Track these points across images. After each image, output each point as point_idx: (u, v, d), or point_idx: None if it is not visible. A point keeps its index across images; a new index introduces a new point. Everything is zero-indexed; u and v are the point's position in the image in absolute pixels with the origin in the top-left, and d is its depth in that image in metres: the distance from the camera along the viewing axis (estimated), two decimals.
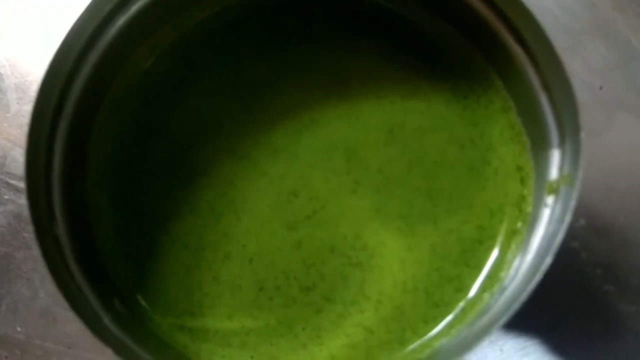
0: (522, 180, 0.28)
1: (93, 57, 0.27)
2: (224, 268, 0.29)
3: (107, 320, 0.24)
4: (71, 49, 0.26)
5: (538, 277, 0.22)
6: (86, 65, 0.27)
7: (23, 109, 0.35)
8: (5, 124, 0.35)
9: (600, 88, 0.35)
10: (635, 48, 0.35)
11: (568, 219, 0.22)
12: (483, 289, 0.28)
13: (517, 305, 0.22)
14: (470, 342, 0.23)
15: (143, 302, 0.28)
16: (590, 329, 0.33)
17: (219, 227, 0.29)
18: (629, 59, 0.35)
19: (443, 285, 0.29)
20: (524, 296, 0.22)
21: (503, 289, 0.26)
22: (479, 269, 0.28)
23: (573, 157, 0.24)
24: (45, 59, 0.35)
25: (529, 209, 0.28)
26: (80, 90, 0.27)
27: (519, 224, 0.28)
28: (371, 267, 0.29)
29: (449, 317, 0.28)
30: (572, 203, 0.23)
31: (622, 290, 0.33)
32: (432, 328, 0.28)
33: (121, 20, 0.27)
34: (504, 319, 0.22)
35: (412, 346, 0.28)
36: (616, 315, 0.33)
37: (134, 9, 0.27)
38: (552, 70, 0.25)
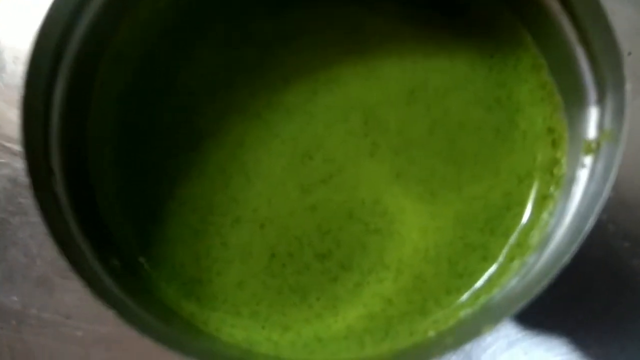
0: (554, 143, 0.27)
1: (93, 6, 0.25)
2: (234, 233, 0.27)
3: (108, 283, 0.23)
4: None
5: (582, 237, 0.20)
6: (85, 16, 0.25)
7: (19, 69, 0.34)
8: (0, 84, 0.34)
9: (629, 54, 0.33)
10: None
11: (613, 176, 0.21)
12: (512, 257, 0.27)
13: (559, 268, 0.20)
14: (503, 311, 0.22)
15: (147, 267, 0.27)
16: (617, 305, 0.32)
17: (228, 190, 0.28)
18: None
19: (467, 254, 0.27)
20: (566, 259, 0.20)
21: (537, 255, 0.24)
22: (507, 236, 0.27)
23: (616, 111, 0.23)
24: (41, 15, 0.34)
25: (563, 172, 0.26)
26: (79, 42, 0.26)
27: (552, 189, 0.26)
28: (391, 234, 0.27)
29: (475, 287, 0.27)
30: (617, 159, 0.21)
31: None
32: (457, 298, 0.27)
33: None
34: (546, 282, 0.20)
35: (434, 317, 0.26)
36: None
37: None
38: (592, 20, 0.23)
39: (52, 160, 0.24)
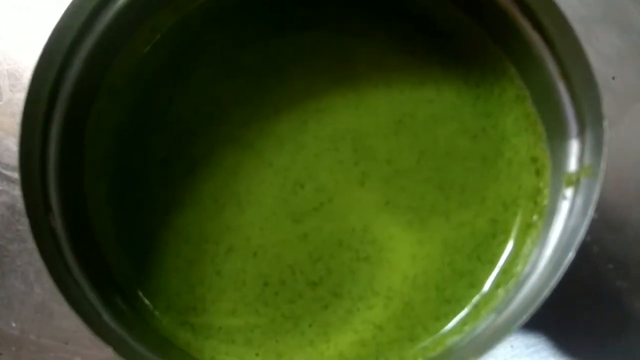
0: (538, 172, 0.28)
1: (89, 40, 0.26)
2: (227, 262, 0.28)
3: (106, 317, 0.23)
4: (67, 31, 0.25)
5: (560, 273, 0.21)
6: (82, 49, 0.26)
7: (16, 96, 0.34)
8: None
9: (613, 78, 0.34)
10: None
11: (591, 212, 0.22)
12: (497, 284, 0.27)
13: (538, 303, 0.21)
14: (488, 342, 0.23)
15: (144, 298, 0.28)
16: (602, 325, 0.32)
17: (221, 219, 0.28)
18: None
19: (455, 280, 0.28)
20: (546, 293, 0.21)
21: (519, 285, 0.25)
22: (493, 263, 0.28)
23: (595, 147, 0.23)
24: (39, 44, 0.34)
25: (546, 201, 0.27)
26: (76, 75, 0.26)
27: (535, 217, 0.27)
28: (380, 261, 0.28)
29: (462, 314, 0.27)
30: (595, 196, 0.22)
31: (635, 286, 0.32)
32: (444, 325, 0.27)
33: (119, 2, 0.26)
34: (525, 318, 0.21)
35: (423, 343, 0.27)
36: (628, 312, 0.32)
37: None
38: (572, 57, 0.24)
39: (50, 196, 0.24)
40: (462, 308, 0.27)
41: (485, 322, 0.25)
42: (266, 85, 0.29)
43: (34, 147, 0.24)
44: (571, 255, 0.21)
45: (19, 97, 0.35)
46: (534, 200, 0.27)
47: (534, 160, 0.28)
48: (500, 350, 0.31)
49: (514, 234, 0.28)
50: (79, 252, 0.25)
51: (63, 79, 0.26)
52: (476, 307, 0.27)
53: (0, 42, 0.34)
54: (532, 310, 0.21)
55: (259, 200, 0.28)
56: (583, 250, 0.33)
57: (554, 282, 0.21)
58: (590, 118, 0.24)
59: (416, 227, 0.28)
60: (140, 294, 0.28)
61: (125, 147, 0.29)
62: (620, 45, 0.34)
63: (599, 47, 0.35)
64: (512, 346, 0.32)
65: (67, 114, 0.26)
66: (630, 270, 0.32)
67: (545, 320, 0.32)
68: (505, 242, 0.28)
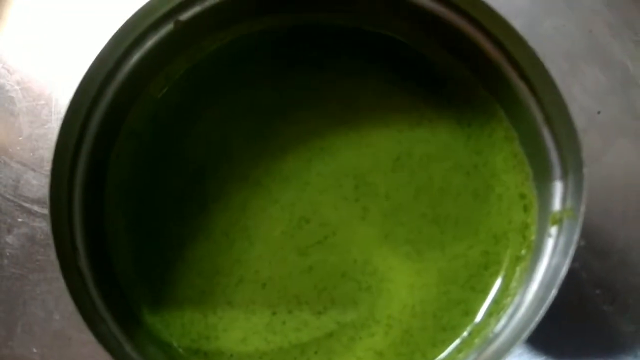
0: (526, 208, 0.29)
1: (112, 88, 0.28)
2: (238, 292, 0.30)
3: (128, 349, 0.25)
4: (92, 82, 0.27)
5: (543, 310, 0.23)
6: (105, 97, 0.28)
7: (35, 132, 0.36)
8: (18, 148, 0.36)
9: (598, 113, 0.35)
10: (632, 74, 0.36)
11: (571, 252, 0.23)
12: (489, 313, 0.29)
13: (524, 337, 0.23)
14: None
15: (160, 327, 0.29)
16: (590, 349, 0.33)
17: (232, 252, 0.30)
18: (626, 84, 0.36)
19: (451, 309, 0.29)
20: (531, 327, 0.23)
21: (509, 315, 0.27)
22: (485, 293, 0.29)
23: (575, 191, 0.25)
24: (55, 82, 0.36)
25: (533, 237, 0.28)
26: (99, 121, 0.28)
27: (523, 251, 0.29)
28: (381, 291, 0.30)
29: (457, 341, 0.29)
30: (575, 237, 0.23)
31: (621, 310, 0.33)
32: (441, 351, 0.29)
33: (137, 54, 0.28)
34: (511, 350, 0.23)
35: None
36: (616, 335, 0.34)
37: (149, 43, 0.28)
38: (554, 107, 0.26)
39: (76, 236, 0.26)
40: (458, 335, 0.29)
41: (478, 351, 0.27)
42: (273, 125, 0.30)
43: (61, 190, 0.26)
44: (554, 292, 0.23)
45: (38, 133, 0.36)
46: (523, 235, 0.29)
47: (522, 196, 0.30)
48: None
49: (504, 265, 0.29)
50: (102, 288, 0.27)
51: (89, 124, 0.27)
52: (470, 334, 0.29)
53: (19, 79, 0.35)
54: (519, 341, 0.23)
55: (267, 234, 0.30)
56: (572, 276, 0.35)
57: (538, 318, 0.23)
58: (572, 163, 0.25)
59: (414, 259, 0.30)
60: (157, 322, 0.29)
61: (141, 184, 0.30)
62: (604, 80, 0.36)
63: (585, 83, 0.36)
64: None
65: (91, 156, 0.28)
66: (616, 295, 0.34)
67: (534, 343, 0.33)
68: (496, 273, 0.29)
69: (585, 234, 0.34)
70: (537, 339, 0.33)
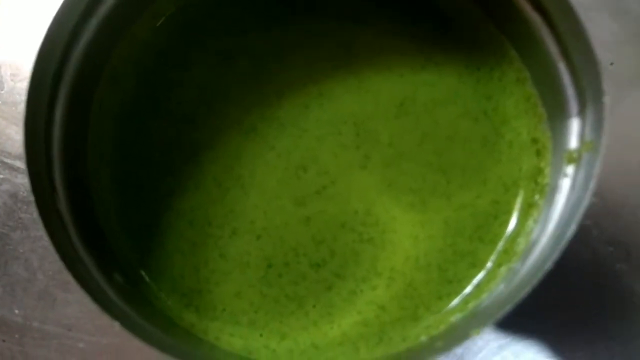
0: (539, 153, 0.28)
1: (90, 27, 0.26)
2: (231, 244, 0.28)
3: (112, 295, 0.24)
4: (68, 18, 0.25)
5: (562, 245, 0.21)
6: (84, 36, 0.26)
7: (17, 85, 0.35)
8: None
9: (611, 64, 0.34)
10: None
11: (593, 185, 0.22)
12: (499, 263, 0.27)
13: (542, 273, 0.21)
14: (491, 315, 0.23)
15: (148, 279, 0.28)
16: (602, 309, 0.32)
17: (225, 202, 0.28)
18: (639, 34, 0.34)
19: (457, 261, 0.28)
20: (549, 264, 0.21)
21: (521, 262, 0.25)
22: (494, 243, 0.28)
23: (595, 122, 0.24)
24: (39, 34, 0.34)
25: (547, 180, 0.27)
26: (78, 62, 0.26)
27: (536, 197, 0.27)
28: (383, 243, 0.28)
29: (464, 293, 0.27)
30: (596, 169, 0.22)
31: (635, 268, 0.33)
32: (447, 304, 0.27)
33: None
34: (530, 287, 0.21)
35: (426, 322, 0.27)
36: (629, 295, 0.33)
37: None
38: (573, 36, 0.24)
39: (55, 179, 0.25)
40: (464, 287, 0.28)
41: (488, 299, 0.26)
42: (268, 69, 0.29)
43: (38, 131, 0.24)
44: (573, 227, 0.22)
45: (21, 86, 0.35)
46: (535, 181, 0.28)
47: (535, 141, 0.28)
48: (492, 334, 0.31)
49: (515, 214, 0.28)
50: (83, 233, 0.25)
51: (65, 66, 0.26)
52: (478, 286, 0.27)
53: (1, 32, 0.34)
54: (535, 281, 0.21)
55: (262, 183, 0.28)
56: (583, 234, 0.34)
57: (556, 255, 0.21)
58: (591, 95, 0.24)
59: (418, 209, 0.28)
60: (144, 275, 0.28)
61: (128, 132, 0.29)
62: (617, 31, 0.35)
63: (596, 33, 0.35)
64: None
65: (70, 100, 0.26)
66: (630, 252, 0.33)
67: (545, 302, 0.32)
68: (506, 222, 0.28)
69: (598, 190, 0.33)
70: (549, 299, 0.32)
